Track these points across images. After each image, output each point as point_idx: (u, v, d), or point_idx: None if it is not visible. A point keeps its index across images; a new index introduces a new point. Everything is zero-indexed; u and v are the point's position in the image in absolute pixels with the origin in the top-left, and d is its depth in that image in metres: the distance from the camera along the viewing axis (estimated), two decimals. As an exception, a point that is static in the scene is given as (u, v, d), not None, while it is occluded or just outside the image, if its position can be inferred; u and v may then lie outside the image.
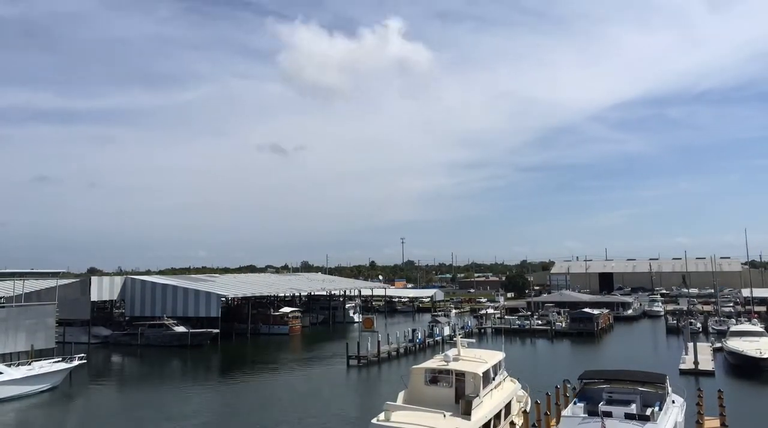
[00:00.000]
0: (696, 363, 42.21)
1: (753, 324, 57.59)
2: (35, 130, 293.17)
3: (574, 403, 21.16)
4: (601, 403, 20.33)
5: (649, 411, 19.55)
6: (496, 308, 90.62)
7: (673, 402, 21.85)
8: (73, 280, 74.65)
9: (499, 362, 25.27)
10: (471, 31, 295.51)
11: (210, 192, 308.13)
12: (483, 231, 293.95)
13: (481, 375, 22.19)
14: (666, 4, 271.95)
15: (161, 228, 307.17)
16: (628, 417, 19.04)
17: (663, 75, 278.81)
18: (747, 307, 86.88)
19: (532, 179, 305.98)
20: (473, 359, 24.27)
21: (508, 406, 23.60)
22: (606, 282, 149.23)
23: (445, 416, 20.07)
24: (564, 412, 21.07)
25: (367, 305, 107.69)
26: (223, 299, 68.75)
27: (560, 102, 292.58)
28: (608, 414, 18.90)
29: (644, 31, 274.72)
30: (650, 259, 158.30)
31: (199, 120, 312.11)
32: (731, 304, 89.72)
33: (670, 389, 22.27)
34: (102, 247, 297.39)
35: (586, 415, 19.62)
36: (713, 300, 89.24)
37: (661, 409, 19.87)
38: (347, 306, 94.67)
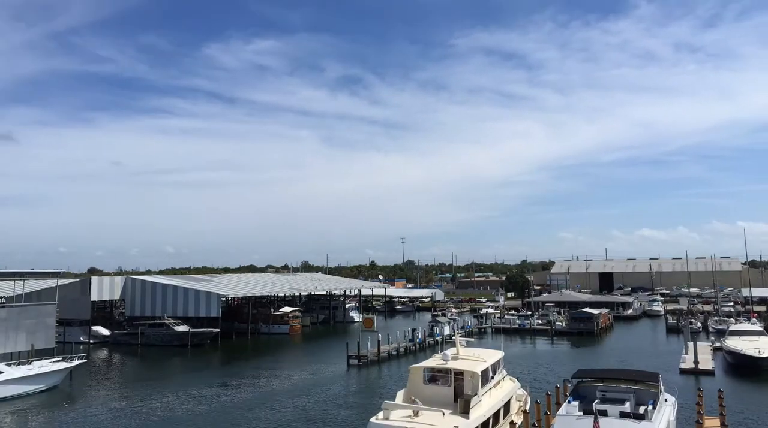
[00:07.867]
0: (696, 362, 42.24)
1: (752, 324, 57.61)
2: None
3: (569, 402, 21.20)
4: (596, 402, 20.38)
5: (643, 410, 19.63)
6: (496, 308, 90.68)
7: (666, 400, 21.97)
8: (74, 280, 74.78)
9: (498, 361, 25.28)
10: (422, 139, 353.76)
11: (219, 200, 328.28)
12: (482, 234, 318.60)
13: (480, 374, 22.21)
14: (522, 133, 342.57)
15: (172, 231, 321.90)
16: (623, 415, 19.14)
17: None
18: (747, 307, 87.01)
19: (508, 202, 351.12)
20: (472, 358, 24.28)
21: (507, 405, 23.64)
22: (606, 281, 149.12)
23: (443, 414, 20.10)
24: (559, 411, 21.12)
25: (367, 305, 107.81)
26: (223, 299, 68.88)
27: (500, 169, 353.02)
28: (603, 413, 18.97)
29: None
30: (650, 259, 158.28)
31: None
32: (731, 304, 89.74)
33: (662, 388, 22.36)
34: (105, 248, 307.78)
35: (581, 414, 19.66)
36: (713, 299, 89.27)
37: (654, 408, 19.94)
38: (347, 305, 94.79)
